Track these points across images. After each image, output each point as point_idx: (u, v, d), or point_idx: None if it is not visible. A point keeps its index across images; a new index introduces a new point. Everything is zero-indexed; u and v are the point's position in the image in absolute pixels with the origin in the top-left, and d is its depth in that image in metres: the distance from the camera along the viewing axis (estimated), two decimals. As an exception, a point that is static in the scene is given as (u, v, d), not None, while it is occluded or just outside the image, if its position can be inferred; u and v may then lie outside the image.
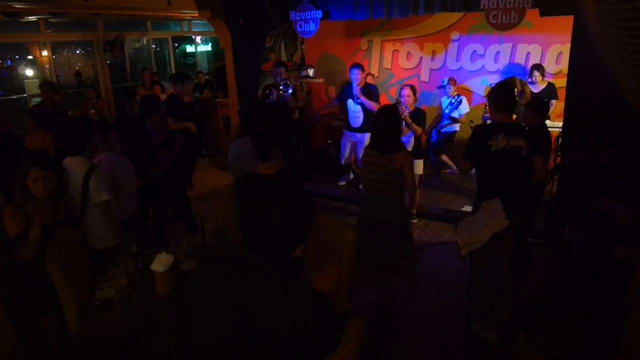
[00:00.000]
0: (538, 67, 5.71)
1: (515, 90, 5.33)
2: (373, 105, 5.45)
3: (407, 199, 5.18)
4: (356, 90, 5.57)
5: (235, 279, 1.41)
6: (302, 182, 3.06)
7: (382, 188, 3.29)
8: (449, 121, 6.03)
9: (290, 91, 5.61)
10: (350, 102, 5.76)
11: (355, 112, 5.76)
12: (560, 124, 5.10)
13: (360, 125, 5.77)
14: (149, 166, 3.85)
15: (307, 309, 1.37)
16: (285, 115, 5.79)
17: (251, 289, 1.38)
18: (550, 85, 5.71)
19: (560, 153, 4.84)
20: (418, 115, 4.90)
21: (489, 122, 5.23)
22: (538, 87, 5.70)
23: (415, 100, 4.97)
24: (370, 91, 5.61)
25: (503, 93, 3.26)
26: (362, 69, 5.62)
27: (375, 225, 3.32)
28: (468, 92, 6.69)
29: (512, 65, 6.44)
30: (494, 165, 3.13)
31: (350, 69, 5.63)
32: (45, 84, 5.67)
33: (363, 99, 5.53)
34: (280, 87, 5.54)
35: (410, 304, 3.64)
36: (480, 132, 3.23)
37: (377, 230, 3.31)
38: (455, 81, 6.12)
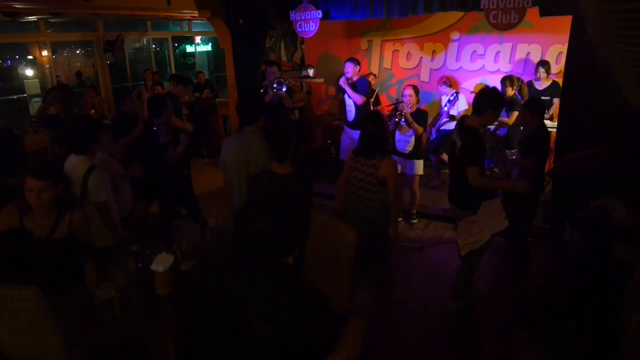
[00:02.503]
0: (544, 63, 5.66)
1: (513, 89, 5.32)
2: (356, 97, 5.53)
3: (408, 200, 5.22)
4: (342, 79, 5.63)
5: (232, 280, 1.41)
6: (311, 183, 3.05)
7: (364, 196, 3.24)
8: (448, 119, 6.02)
9: (284, 89, 5.60)
10: (345, 95, 5.80)
11: (349, 106, 5.82)
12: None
13: (353, 120, 5.81)
14: (156, 165, 3.83)
15: (301, 310, 1.36)
16: (283, 114, 5.79)
17: (245, 290, 1.38)
18: (554, 84, 5.64)
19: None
20: (420, 115, 4.90)
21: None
22: (542, 85, 5.67)
23: (418, 100, 4.96)
24: (355, 84, 5.63)
25: (479, 95, 3.28)
26: (356, 63, 5.66)
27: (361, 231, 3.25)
28: (468, 92, 6.69)
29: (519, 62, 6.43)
30: (450, 158, 3.50)
31: (345, 62, 5.69)
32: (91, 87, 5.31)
33: (346, 87, 5.56)
34: (274, 85, 5.54)
35: (405, 305, 3.64)
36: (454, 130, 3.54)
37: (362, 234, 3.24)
38: (449, 79, 6.13)
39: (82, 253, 2.57)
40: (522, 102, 5.14)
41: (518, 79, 5.47)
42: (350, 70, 5.58)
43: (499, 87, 5.46)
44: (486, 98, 3.23)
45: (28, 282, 2.09)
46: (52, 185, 2.42)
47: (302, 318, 1.35)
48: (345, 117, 5.96)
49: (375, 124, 3.20)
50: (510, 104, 5.26)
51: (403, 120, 4.84)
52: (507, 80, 5.31)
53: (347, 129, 5.98)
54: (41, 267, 2.42)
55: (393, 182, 3.14)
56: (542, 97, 5.43)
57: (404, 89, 4.98)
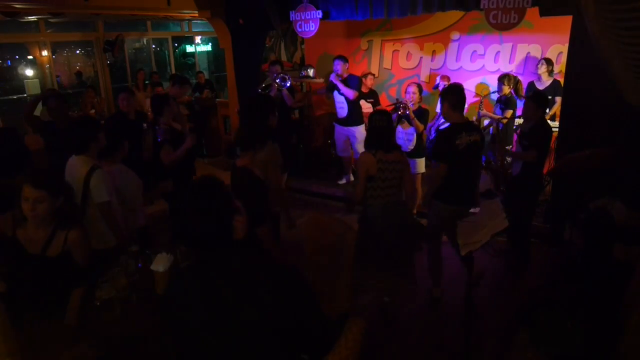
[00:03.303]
0: (547, 60, 5.63)
1: (510, 87, 5.33)
2: (348, 92, 5.59)
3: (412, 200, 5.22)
4: (332, 76, 5.71)
5: (209, 275, 1.42)
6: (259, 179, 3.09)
7: (394, 192, 3.31)
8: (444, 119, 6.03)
9: (287, 85, 5.61)
10: (335, 93, 5.84)
11: (340, 103, 5.85)
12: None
13: (346, 117, 5.85)
14: (150, 165, 3.82)
15: (281, 287, 1.39)
16: (284, 113, 5.80)
17: (220, 280, 1.40)
18: (555, 82, 5.61)
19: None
20: (421, 113, 4.94)
21: (484, 120, 5.31)
22: (544, 84, 5.64)
23: (421, 99, 4.99)
24: (346, 80, 5.69)
25: (454, 92, 3.46)
26: (345, 61, 5.73)
27: (391, 229, 3.31)
28: (468, 92, 6.68)
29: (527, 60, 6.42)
30: (462, 160, 3.43)
31: (333, 60, 5.77)
32: (128, 92, 4.91)
33: (337, 82, 5.62)
34: (277, 81, 5.55)
35: (408, 304, 3.64)
36: (447, 135, 3.49)
37: (393, 232, 3.31)
38: (448, 78, 6.13)
39: (72, 278, 2.33)
40: (517, 100, 5.20)
41: (515, 77, 5.48)
42: (340, 67, 5.66)
43: (495, 84, 5.49)
44: (463, 95, 3.49)
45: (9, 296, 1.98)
46: (49, 196, 2.24)
47: (284, 294, 1.38)
48: (336, 114, 6.00)
49: (387, 119, 3.32)
50: (506, 102, 5.30)
51: (407, 112, 4.85)
52: (505, 78, 5.35)
53: (338, 126, 6.01)
54: (26, 284, 2.28)
55: (410, 173, 3.40)
56: None
57: (409, 86, 5.01)
